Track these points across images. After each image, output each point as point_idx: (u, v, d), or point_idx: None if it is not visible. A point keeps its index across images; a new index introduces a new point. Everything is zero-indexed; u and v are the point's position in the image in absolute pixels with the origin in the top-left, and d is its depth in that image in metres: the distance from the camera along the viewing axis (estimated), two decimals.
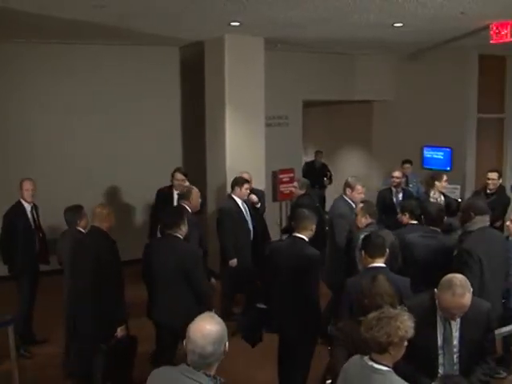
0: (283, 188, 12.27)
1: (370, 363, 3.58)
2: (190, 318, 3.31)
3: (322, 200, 13.48)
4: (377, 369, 3.54)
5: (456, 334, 4.22)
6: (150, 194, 9.30)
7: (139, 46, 10.93)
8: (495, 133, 13.12)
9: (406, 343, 3.60)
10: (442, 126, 12.59)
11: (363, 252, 5.27)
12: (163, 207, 8.37)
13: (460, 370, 4.24)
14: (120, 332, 6.02)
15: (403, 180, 10.07)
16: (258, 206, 8.89)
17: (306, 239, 5.96)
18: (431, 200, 8.86)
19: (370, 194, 9.49)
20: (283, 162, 12.13)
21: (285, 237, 9.70)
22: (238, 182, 8.37)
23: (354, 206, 7.43)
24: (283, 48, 11.39)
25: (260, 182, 9.95)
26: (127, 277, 6.29)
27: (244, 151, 10.03)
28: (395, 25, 8.73)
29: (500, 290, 6.00)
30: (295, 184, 9.36)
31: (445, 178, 9.27)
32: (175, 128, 11.81)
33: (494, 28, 8.42)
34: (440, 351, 4.22)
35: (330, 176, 13.94)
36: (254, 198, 8.77)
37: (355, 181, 7.72)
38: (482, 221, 6.05)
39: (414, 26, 8.79)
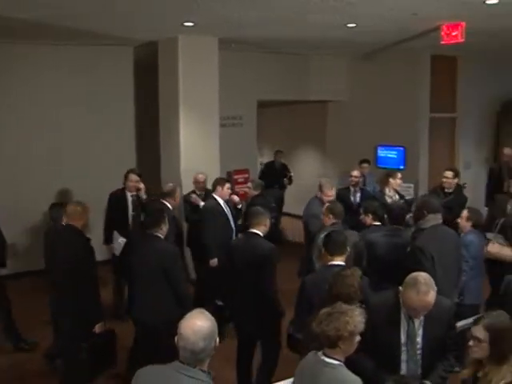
0: (238, 189, 12.22)
1: (322, 357, 3.63)
2: (170, 316, 3.29)
3: (281, 201, 13.48)
4: (328, 363, 3.59)
5: (419, 331, 4.26)
6: (104, 196, 9.07)
7: (92, 46, 10.77)
8: (447, 132, 13.32)
9: (357, 338, 3.65)
10: (396, 126, 12.73)
11: (323, 249, 5.30)
12: (117, 211, 8.28)
13: (422, 367, 4.29)
14: (98, 329, 6.07)
15: (361, 180, 10.11)
16: (240, 206, 8.92)
17: (261, 234, 6.04)
18: (387, 198, 8.95)
19: None
20: (238, 162, 12.10)
21: None
22: (220, 181, 8.46)
23: None
24: (238, 48, 11.37)
25: None
26: None
27: (198, 151, 9.97)
28: (349, 25, 8.78)
29: (454, 287, 6.08)
30: (249, 185, 9.38)
31: (399, 175, 9.37)
32: (129, 128, 11.68)
33: (445, 29, 8.53)
34: (403, 348, 4.25)
35: (290, 176, 13.94)
36: (235, 198, 8.84)
37: (325, 183, 7.93)
38: (435, 219, 6.15)
39: (367, 26, 8.86)
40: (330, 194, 7.80)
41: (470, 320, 5.93)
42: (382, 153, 13.26)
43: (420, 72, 12.50)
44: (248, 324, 5.95)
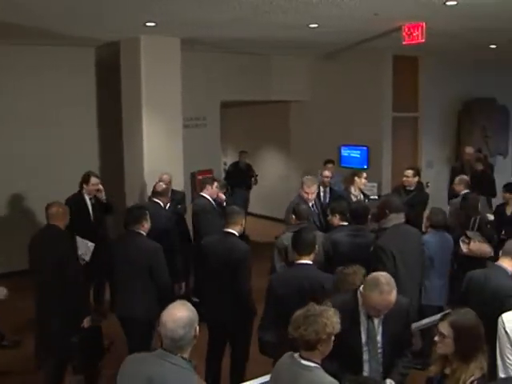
0: None
1: (299, 360, 3.63)
2: (155, 310, 3.73)
3: (246, 201, 13.48)
4: (305, 365, 3.59)
5: (379, 330, 4.27)
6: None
7: (52, 46, 10.63)
8: (410, 131, 13.44)
9: (333, 338, 3.66)
10: (359, 125, 12.81)
11: (292, 248, 5.35)
12: (77, 216, 8.08)
13: (383, 365, 4.30)
14: (86, 323, 6.16)
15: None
16: (225, 204, 8.93)
17: (237, 234, 6.10)
18: (352, 197, 9.01)
19: (290, 194, 9.58)
20: (202, 163, 12.04)
21: None
22: (208, 181, 8.62)
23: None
24: (200, 48, 11.32)
25: (179, 184, 9.91)
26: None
27: (162, 152, 9.90)
28: (310, 25, 8.79)
29: (417, 286, 6.14)
30: (215, 185, 9.36)
31: (365, 175, 9.45)
32: (91, 129, 11.56)
33: (406, 29, 8.59)
34: (365, 348, 4.26)
35: (256, 176, 13.94)
36: (222, 196, 8.89)
37: (306, 180, 8.19)
38: (397, 218, 6.18)
39: (329, 26, 8.87)
40: (308, 190, 7.99)
41: (433, 318, 6.05)
42: (345, 152, 13.32)
43: (382, 72, 12.59)
44: (221, 322, 5.99)
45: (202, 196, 8.49)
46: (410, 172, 9.35)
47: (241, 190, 13.17)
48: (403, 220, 6.29)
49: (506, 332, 4.32)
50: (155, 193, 8.40)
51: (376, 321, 4.25)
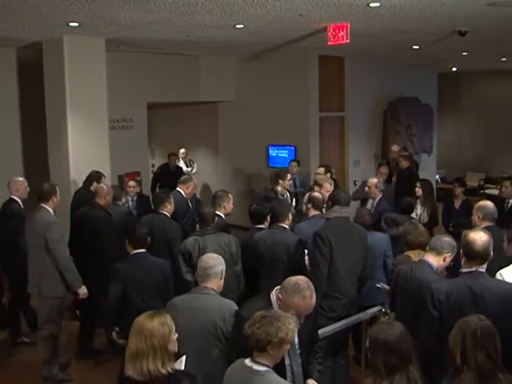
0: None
1: (250, 364, 3.60)
2: None
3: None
4: (256, 370, 3.56)
5: (295, 332, 4.27)
6: None
7: None
8: (337, 131, 13.62)
9: (287, 347, 3.65)
10: (286, 125, 12.91)
11: None
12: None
13: (302, 365, 4.28)
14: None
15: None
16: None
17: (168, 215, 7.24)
18: (279, 197, 9.06)
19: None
20: (129, 165, 11.89)
21: None
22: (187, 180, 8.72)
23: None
24: (126, 49, 11.19)
25: None
26: None
27: (88, 155, 9.70)
28: (237, 26, 8.79)
29: (355, 278, 6.20)
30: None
31: (288, 176, 9.55)
32: (14, 131, 11.26)
33: (331, 30, 8.68)
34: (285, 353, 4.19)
35: None
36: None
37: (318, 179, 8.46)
38: (340, 211, 6.28)
39: (255, 27, 8.90)
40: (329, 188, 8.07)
41: (355, 318, 6.15)
42: (273, 152, 13.41)
43: (309, 72, 12.71)
44: None
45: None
46: (321, 169, 9.81)
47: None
48: (347, 214, 6.39)
49: None
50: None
51: None
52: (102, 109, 9.94)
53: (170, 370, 3.50)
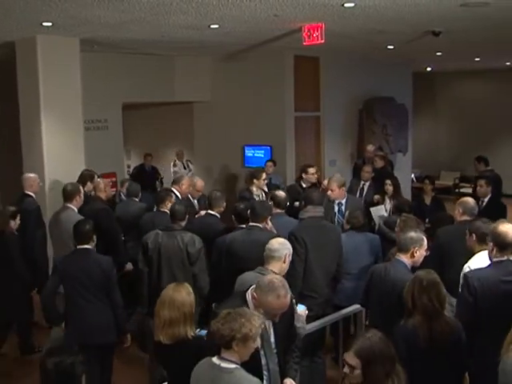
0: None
1: (218, 362, 3.61)
2: None
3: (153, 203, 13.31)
4: (224, 368, 3.57)
5: (271, 331, 4.28)
6: None
7: None
8: (313, 130, 13.64)
9: (253, 344, 3.65)
10: (262, 125, 12.92)
11: None
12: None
13: (279, 364, 4.31)
14: None
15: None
16: None
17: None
18: (255, 197, 9.07)
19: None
20: (104, 166, 11.76)
21: None
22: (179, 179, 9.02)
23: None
24: (101, 49, 11.12)
25: None
26: None
27: (63, 156, 9.62)
28: (212, 26, 8.77)
29: (330, 277, 6.28)
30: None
31: (263, 176, 9.54)
32: None
33: (306, 30, 8.70)
34: (261, 352, 4.18)
35: (161, 179, 13.80)
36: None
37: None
38: (314, 211, 6.42)
39: (230, 27, 8.88)
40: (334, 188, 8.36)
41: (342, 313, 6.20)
42: (249, 152, 13.41)
43: (284, 72, 12.73)
44: None
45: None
46: (312, 169, 10.19)
47: (146, 192, 13.00)
48: (320, 214, 6.50)
49: None
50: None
51: (267, 323, 4.20)
52: (76, 109, 9.85)
53: (193, 335, 4.34)
